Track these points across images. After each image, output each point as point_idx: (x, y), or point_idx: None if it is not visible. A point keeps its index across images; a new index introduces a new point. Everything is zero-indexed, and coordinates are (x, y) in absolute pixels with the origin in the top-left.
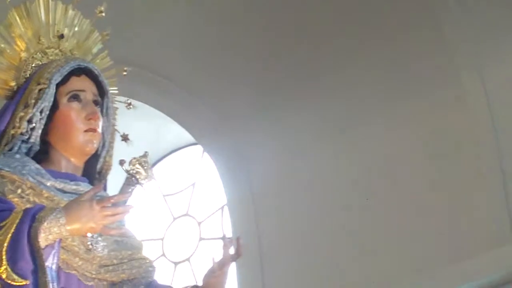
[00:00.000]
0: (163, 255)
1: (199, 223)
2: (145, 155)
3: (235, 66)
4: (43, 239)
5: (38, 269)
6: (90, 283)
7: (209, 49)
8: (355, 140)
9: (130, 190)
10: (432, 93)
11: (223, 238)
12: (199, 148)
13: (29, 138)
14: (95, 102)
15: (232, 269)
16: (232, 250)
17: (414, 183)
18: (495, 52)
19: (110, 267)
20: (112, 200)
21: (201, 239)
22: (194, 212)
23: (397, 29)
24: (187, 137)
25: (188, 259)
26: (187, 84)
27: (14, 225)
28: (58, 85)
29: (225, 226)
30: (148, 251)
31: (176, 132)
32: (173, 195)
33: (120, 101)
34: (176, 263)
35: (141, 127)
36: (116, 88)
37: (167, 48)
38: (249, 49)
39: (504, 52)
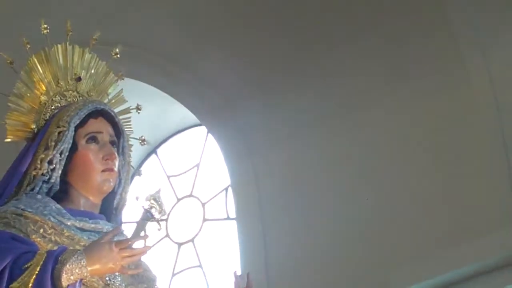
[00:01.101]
0: (167, 235)
1: (203, 204)
2: (158, 190)
3: (240, 47)
4: (65, 280)
5: None
6: None
7: (213, 30)
8: (359, 121)
9: (145, 225)
10: (434, 75)
11: (234, 273)
12: (203, 129)
13: (49, 178)
14: (112, 143)
15: (236, 250)
16: (243, 284)
17: (418, 165)
18: (499, 33)
19: None
20: (130, 242)
21: (205, 220)
22: (198, 193)
23: (398, 10)
24: (192, 118)
25: (192, 240)
26: (191, 65)
27: (38, 267)
28: (76, 127)
29: (229, 207)
30: (151, 232)
31: (180, 113)
32: (177, 176)
33: (135, 138)
34: (179, 244)
35: (145, 108)
36: (131, 128)
37: (171, 29)
38: (253, 30)
39: (508, 32)
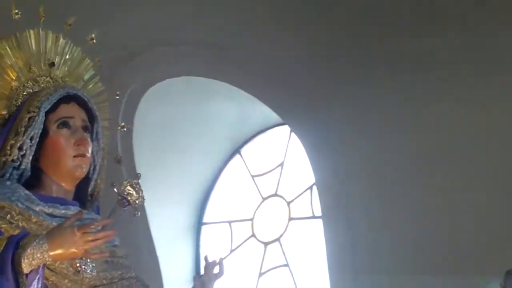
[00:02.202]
0: (253, 235)
1: (288, 203)
2: (137, 176)
3: (322, 45)
4: (26, 265)
5: None
6: None
7: (294, 29)
8: (439, 116)
9: (120, 211)
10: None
11: (205, 258)
12: (286, 128)
13: (20, 164)
14: (85, 128)
15: (322, 248)
16: (216, 270)
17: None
18: None
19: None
20: (93, 226)
21: (290, 219)
22: (283, 192)
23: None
24: (275, 117)
25: (278, 239)
26: (273, 65)
27: None
28: (47, 113)
29: (314, 205)
30: (238, 232)
31: (263, 113)
32: (262, 175)
33: (119, 126)
34: (266, 244)
35: (228, 108)
36: (108, 112)
37: (251, 29)
38: (335, 27)
39: None
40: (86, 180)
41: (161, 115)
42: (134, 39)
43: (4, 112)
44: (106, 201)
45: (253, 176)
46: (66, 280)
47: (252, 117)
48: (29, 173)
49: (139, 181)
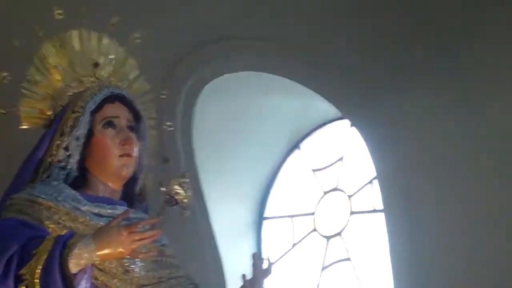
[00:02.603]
0: (315, 229)
1: (349, 197)
2: (183, 175)
3: (379, 39)
4: (74, 265)
5: None
6: None
7: (351, 21)
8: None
9: (168, 210)
10: None
11: (253, 255)
12: (346, 122)
13: (66, 165)
14: (130, 128)
15: (385, 242)
16: (264, 266)
17: None
18: None
19: (149, 287)
20: (139, 225)
21: (352, 213)
22: (344, 186)
23: None
24: (334, 111)
25: (339, 233)
26: (332, 58)
27: (46, 252)
28: (93, 113)
29: (375, 199)
30: (300, 226)
31: (322, 107)
32: (322, 169)
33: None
34: (328, 238)
35: (287, 103)
36: (153, 111)
37: (309, 22)
38: (395, 18)
39: None
40: (133, 179)
41: (220, 111)
42: (190, 35)
43: (49, 113)
44: (157, 201)
45: (313, 171)
46: (115, 280)
47: (312, 111)
48: (76, 173)
49: (187, 180)
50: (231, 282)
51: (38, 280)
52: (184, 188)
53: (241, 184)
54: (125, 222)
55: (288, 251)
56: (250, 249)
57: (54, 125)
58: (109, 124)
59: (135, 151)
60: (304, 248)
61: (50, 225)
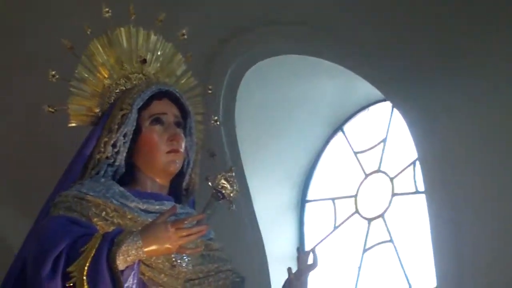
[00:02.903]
0: (357, 212)
1: (391, 179)
2: (231, 169)
3: (422, 20)
4: (122, 262)
5: None
6: None
7: (394, 3)
8: None
9: (215, 205)
10: None
11: (298, 249)
12: (388, 104)
13: (114, 161)
14: (177, 124)
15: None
16: (309, 260)
17: None
18: None
19: (196, 281)
20: (186, 221)
21: (394, 194)
22: (386, 168)
23: None
24: (376, 94)
25: (381, 215)
26: (374, 40)
27: (94, 250)
28: (140, 110)
29: (417, 180)
30: (342, 209)
31: (364, 90)
32: (364, 152)
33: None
34: (369, 220)
35: (329, 86)
36: (201, 106)
37: (352, 6)
38: (435, 2)
39: None
40: (180, 174)
41: (263, 93)
42: (233, 19)
43: (97, 110)
44: (203, 195)
45: (355, 153)
46: (162, 275)
47: (354, 94)
48: (124, 170)
49: (233, 174)
50: (273, 264)
51: (86, 277)
52: (231, 182)
53: (283, 167)
54: (172, 217)
55: (330, 233)
56: (292, 231)
57: (101, 123)
58: (157, 120)
59: (183, 147)
60: (346, 230)
61: (99, 222)
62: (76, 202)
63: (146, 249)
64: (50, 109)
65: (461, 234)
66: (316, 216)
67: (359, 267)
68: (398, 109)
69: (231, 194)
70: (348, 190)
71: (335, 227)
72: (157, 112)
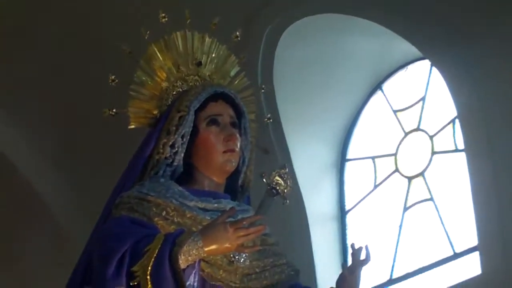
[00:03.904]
0: (397, 170)
1: (431, 137)
2: (284, 166)
3: None
4: (183, 261)
5: None
6: None
7: None
8: None
9: (270, 201)
10: None
11: (352, 245)
12: (426, 62)
13: (172, 161)
14: (233, 124)
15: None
16: (362, 256)
17: None
18: None
19: (253, 276)
20: (245, 222)
21: (433, 152)
22: (425, 126)
23: None
24: (414, 52)
25: (421, 174)
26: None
27: (157, 250)
28: (197, 111)
29: (457, 138)
30: (382, 167)
31: (403, 48)
32: (404, 110)
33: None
34: (409, 178)
35: (368, 45)
36: (254, 105)
37: None
38: None
39: None
40: (236, 172)
41: (301, 53)
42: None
43: (155, 112)
44: (258, 191)
45: (395, 111)
46: (221, 271)
47: (392, 52)
48: (181, 169)
49: (287, 170)
50: (313, 223)
51: (149, 277)
52: (285, 178)
53: (323, 126)
54: (231, 218)
55: (370, 192)
56: (332, 191)
57: (160, 124)
58: (213, 122)
59: (238, 146)
60: (386, 189)
61: (159, 221)
62: (137, 202)
63: (206, 249)
64: (111, 112)
65: (502, 191)
66: (356, 175)
67: (400, 226)
68: (437, 67)
69: (285, 190)
70: (388, 149)
71: (375, 186)
72: (213, 113)
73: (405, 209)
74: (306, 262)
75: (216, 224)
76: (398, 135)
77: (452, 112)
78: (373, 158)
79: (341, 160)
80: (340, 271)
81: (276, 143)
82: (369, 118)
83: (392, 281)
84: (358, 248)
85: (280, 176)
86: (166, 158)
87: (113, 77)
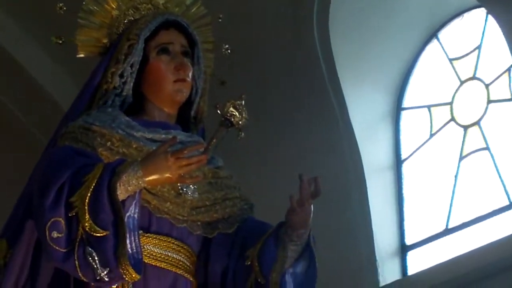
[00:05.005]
0: (452, 119)
1: (487, 86)
2: (240, 97)
3: None
4: (122, 191)
5: (118, 220)
6: (182, 225)
7: None
8: None
9: (224, 133)
10: None
11: (300, 176)
12: (482, 10)
13: (121, 91)
14: (184, 53)
15: None
16: (311, 188)
17: None
18: None
19: (203, 209)
20: (186, 151)
21: (489, 101)
22: (481, 75)
23: None
24: (470, 0)
25: (477, 123)
26: None
27: (96, 179)
28: (147, 40)
29: None
30: (437, 116)
31: None
32: (459, 58)
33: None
34: (465, 127)
35: None
36: (211, 35)
37: None
38: None
39: None
40: (188, 103)
41: (357, 2)
42: None
43: (105, 41)
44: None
45: (450, 60)
46: (168, 203)
47: (448, 0)
48: (131, 100)
49: (243, 102)
50: (369, 174)
51: (87, 207)
52: (239, 110)
53: (378, 75)
54: (180, 146)
55: (426, 141)
56: (387, 140)
57: (109, 53)
58: (164, 50)
59: (190, 76)
60: (442, 138)
61: (103, 152)
62: (82, 132)
63: (146, 179)
64: (58, 40)
65: None
66: (412, 124)
67: (456, 176)
68: (493, 15)
69: (240, 122)
70: (443, 98)
71: (431, 135)
72: (164, 41)
73: (461, 158)
74: (361, 211)
75: (157, 154)
76: (454, 84)
77: (508, 60)
78: (428, 107)
79: (397, 109)
80: (396, 221)
81: (332, 92)
82: (425, 66)
83: (448, 230)
84: (308, 180)
85: (235, 108)
86: (115, 87)
87: (61, 4)
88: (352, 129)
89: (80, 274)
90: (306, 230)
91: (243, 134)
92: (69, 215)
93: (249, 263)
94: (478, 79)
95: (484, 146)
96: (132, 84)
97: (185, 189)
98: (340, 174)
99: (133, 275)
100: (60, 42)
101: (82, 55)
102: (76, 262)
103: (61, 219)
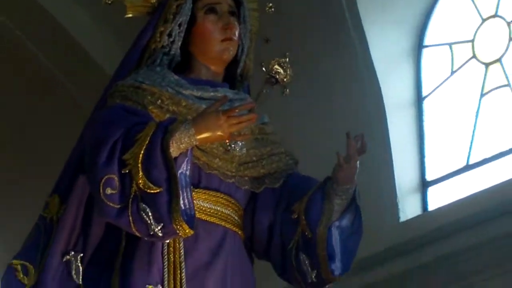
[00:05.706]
0: (474, 56)
1: (509, 23)
2: (285, 55)
3: None
4: (175, 149)
5: (171, 177)
6: (231, 180)
7: None
8: None
9: (269, 90)
10: None
11: (347, 134)
12: None
13: (169, 50)
14: (231, 13)
15: None
16: (358, 145)
17: None
18: None
19: (250, 164)
20: (237, 110)
21: (511, 39)
22: (503, 12)
23: None
24: None
25: (499, 60)
26: None
27: (148, 137)
28: (195, 0)
29: None
30: (459, 54)
31: None
32: None
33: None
34: (486, 64)
35: None
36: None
37: None
38: None
39: None
40: (235, 61)
41: None
42: None
43: (153, 1)
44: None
45: None
46: (217, 159)
47: None
48: (179, 58)
49: (287, 59)
50: (390, 111)
51: (140, 164)
52: (284, 67)
53: (400, 12)
54: (228, 103)
55: (447, 79)
56: (408, 77)
57: (157, 13)
58: (211, 10)
59: (236, 35)
60: (463, 75)
61: (154, 110)
62: (132, 91)
63: (198, 137)
64: (107, 1)
65: None
66: (433, 62)
67: (477, 112)
68: None
69: (285, 79)
70: (465, 35)
71: (452, 72)
72: (211, 1)
73: (482, 95)
74: (382, 148)
75: (208, 112)
76: (476, 22)
77: None
78: (450, 44)
79: (418, 46)
80: (417, 157)
81: (353, 29)
82: (446, 4)
83: (468, 166)
84: (355, 137)
85: (279, 65)
86: (163, 46)
87: None
88: (374, 67)
89: (134, 230)
90: (352, 185)
91: (288, 90)
92: (122, 172)
93: (295, 216)
94: (500, 16)
95: (506, 83)
96: (180, 43)
97: (233, 146)
98: (361, 111)
99: (187, 231)
100: (109, 2)
101: (130, 15)
102: (130, 218)
103: (114, 176)
